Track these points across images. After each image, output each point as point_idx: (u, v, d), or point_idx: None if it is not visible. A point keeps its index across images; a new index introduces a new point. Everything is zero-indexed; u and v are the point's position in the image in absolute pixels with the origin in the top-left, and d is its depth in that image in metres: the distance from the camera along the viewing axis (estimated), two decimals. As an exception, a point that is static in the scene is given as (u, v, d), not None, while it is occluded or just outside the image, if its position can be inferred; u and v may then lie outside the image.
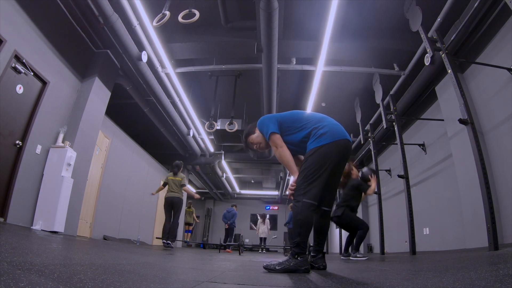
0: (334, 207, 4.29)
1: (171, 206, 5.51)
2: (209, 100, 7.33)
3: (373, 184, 4.07)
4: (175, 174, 5.69)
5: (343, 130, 1.97)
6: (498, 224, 3.05)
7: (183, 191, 5.70)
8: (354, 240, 4.13)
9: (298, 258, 1.75)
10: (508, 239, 3.40)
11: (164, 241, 5.32)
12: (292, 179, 1.95)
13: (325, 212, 2.03)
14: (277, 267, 1.74)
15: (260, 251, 8.41)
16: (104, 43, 5.13)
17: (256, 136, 2.16)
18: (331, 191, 2.01)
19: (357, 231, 4.13)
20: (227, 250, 8.66)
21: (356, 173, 4.23)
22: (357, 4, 4.81)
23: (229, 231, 9.22)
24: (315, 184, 1.80)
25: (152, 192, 6.37)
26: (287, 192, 2.00)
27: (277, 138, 1.95)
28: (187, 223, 11.50)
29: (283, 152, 1.94)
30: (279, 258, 2.25)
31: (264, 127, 2.01)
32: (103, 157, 6.17)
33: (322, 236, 2.06)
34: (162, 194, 5.94)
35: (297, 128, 1.99)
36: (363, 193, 4.13)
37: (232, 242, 8.50)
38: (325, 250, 2.16)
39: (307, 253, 1.84)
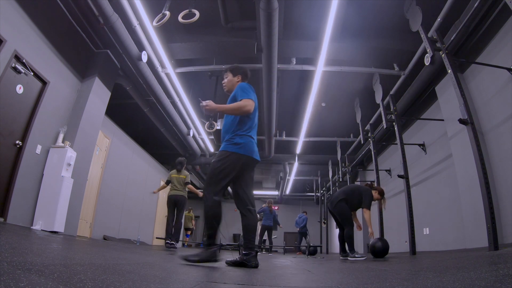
0: (336, 197, 4.32)
1: (175, 205, 5.34)
2: (209, 100, 7.32)
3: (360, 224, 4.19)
4: (178, 171, 5.50)
5: (255, 148, 2.24)
6: (498, 224, 3.05)
7: (187, 189, 5.52)
8: (346, 242, 4.15)
9: (210, 249, 2.00)
10: (508, 239, 3.40)
11: (168, 241, 5.15)
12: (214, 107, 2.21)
13: (249, 211, 2.19)
14: (194, 258, 1.96)
15: (260, 251, 8.35)
16: (104, 43, 5.13)
17: (230, 80, 2.45)
18: (246, 191, 2.22)
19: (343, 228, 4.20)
20: (299, 252, 9.13)
21: (376, 196, 4.28)
22: (357, 4, 4.81)
23: (301, 235, 9.74)
24: (222, 185, 2.09)
25: (154, 191, 6.17)
26: (203, 103, 2.24)
27: (253, 104, 2.20)
28: (186, 228, 11.42)
29: (247, 108, 2.15)
30: (282, 258, 2.25)
31: (248, 93, 2.23)
32: (103, 157, 6.17)
33: (251, 234, 2.18)
34: (164, 192, 5.79)
35: (250, 116, 2.24)
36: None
37: (302, 244, 8.65)
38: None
39: (218, 244, 2.08)
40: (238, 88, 2.28)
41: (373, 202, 4.24)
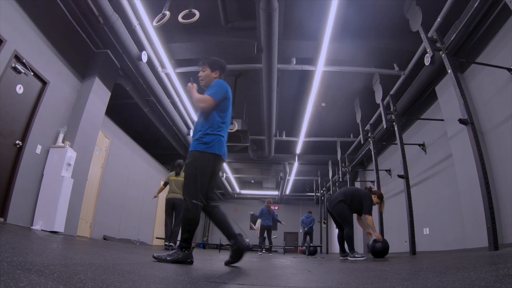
0: (335, 198, 4.32)
1: (173, 207, 5.30)
2: (195, 85, 7.32)
3: (371, 231, 4.09)
4: (177, 174, 5.48)
5: (224, 146, 2.25)
6: (498, 224, 3.05)
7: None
8: (346, 242, 4.15)
9: (185, 251, 2.02)
10: (508, 239, 3.40)
11: (166, 243, 5.15)
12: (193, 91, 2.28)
13: (216, 207, 2.22)
14: (167, 258, 1.98)
15: (260, 251, 8.31)
16: (104, 43, 5.13)
17: (207, 75, 2.37)
18: (212, 189, 2.26)
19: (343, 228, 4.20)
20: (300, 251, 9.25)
21: (376, 200, 4.27)
22: (357, 4, 4.81)
23: (307, 235, 9.79)
24: (201, 188, 2.09)
25: (154, 195, 6.10)
26: (189, 84, 2.35)
27: (211, 104, 2.19)
28: None
29: (202, 104, 2.17)
30: (282, 258, 2.26)
31: (217, 92, 2.23)
32: (103, 157, 6.17)
33: (226, 224, 2.21)
34: (163, 194, 5.81)
35: (220, 112, 2.25)
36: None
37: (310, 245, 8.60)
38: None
39: (192, 247, 2.09)
40: (213, 84, 2.29)
41: (373, 206, 4.23)
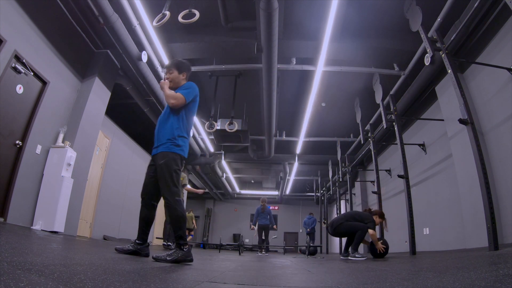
0: (336, 221, 4.35)
1: None
2: (209, 100, 7.33)
3: (376, 243, 4.05)
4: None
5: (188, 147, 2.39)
6: (498, 224, 3.05)
7: (184, 191, 5.56)
8: (354, 240, 4.14)
9: (184, 249, 2.05)
10: (508, 239, 3.40)
11: (165, 243, 5.22)
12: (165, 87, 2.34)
13: (154, 206, 2.36)
14: (167, 258, 2.00)
15: (259, 251, 8.28)
16: (104, 43, 5.13)
17: (176, 76, 2.43)
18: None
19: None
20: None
21: (377, 220, 4.28)
22: (357, 4, 4.81)
23: (311, 235, 9.96)
24: (178, 185, 2.22)
25: None
26: (162, 81, 2.39)
27: (182, 102, 2.28)
28: (187, 229, 11.40)
29: (174, 100, 2.26)
30: (282, 258, 2.26)
31: (188, 94, 2.32)
32: (103, 157, 6.17)
33: (149, 227, 2.36)
34: None
35: (189, 114, 2.36)
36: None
37: (313, 245, 8.55)
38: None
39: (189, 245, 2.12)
40: (186, 85, 2.38)
41: (376, 226, 4.25)
